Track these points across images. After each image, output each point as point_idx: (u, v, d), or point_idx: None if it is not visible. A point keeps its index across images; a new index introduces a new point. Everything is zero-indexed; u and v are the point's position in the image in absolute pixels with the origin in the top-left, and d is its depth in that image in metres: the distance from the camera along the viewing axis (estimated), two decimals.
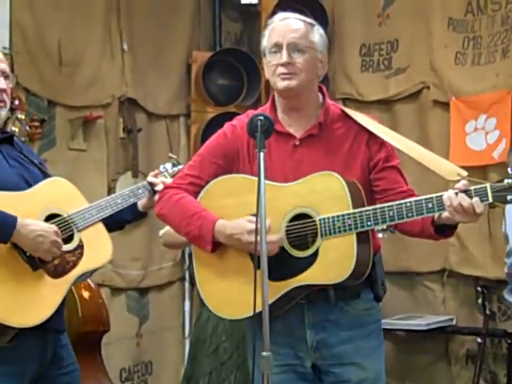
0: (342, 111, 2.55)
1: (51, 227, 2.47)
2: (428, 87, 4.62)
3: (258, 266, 2.17)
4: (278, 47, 2.45)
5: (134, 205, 2.79)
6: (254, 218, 2.25)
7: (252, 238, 2.26)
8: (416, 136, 4.61)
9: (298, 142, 2.49)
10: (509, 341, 4.16)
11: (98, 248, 2.61)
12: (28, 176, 2.59)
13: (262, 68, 4.79)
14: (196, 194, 2.54)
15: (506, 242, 3.29)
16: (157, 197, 2.68)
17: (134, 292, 4.77)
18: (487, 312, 4.15)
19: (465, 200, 2.21)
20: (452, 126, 4.49)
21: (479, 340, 4.14)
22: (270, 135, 2.30)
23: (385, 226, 2.36)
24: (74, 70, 4.53)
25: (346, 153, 2.48)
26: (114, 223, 2.77)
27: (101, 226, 2.65)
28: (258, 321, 2.20)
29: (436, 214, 2.29)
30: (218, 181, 2.53)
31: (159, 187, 2.75)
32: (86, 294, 3.64)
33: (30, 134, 3.97)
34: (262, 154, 2.22)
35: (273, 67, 2.46)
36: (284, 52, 2.43)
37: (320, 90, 2.57)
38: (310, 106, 2.52)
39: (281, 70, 2.43)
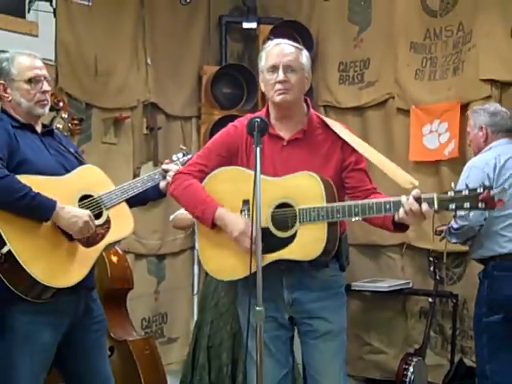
0: (323, 121, 2.57)
1: (85, 212, 2.45)
2: (393, 97, 4.60)
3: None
4: (274, 68, 2.47)
5: (157, 187, 2.79)
6: (248, 222, 2.34)
7: (241, 238, 2.38)
8: (383, 136, 4.64)
9: (285, 143, 2.52)
10: (454, 300, 4.18)
11: (122, 223, 2.61)
12: (66, 163, 2.59)
13: (258, 80, 4.86)
14: (202, 179, 2.56)
15: None
16: (170, 179, 2.69)
17: (153, 258, 4.77)
18: (437, 277, 4.15)
19: (415, 205, 2.24)
20: (412, 128, 4.48)
21: (430, 300, 4.14)
22: (265, 134, 2.31)
23: (353, 219, 2.36)
24: (107, 79, 4.52)
25: (323, 154, 2.51)
26: (138, 201, 2.78)
27: (124, 204, 2.64)
28: (247, 282, 2.24)
29: (396, 215, 2.31)
30: (220, 170, 2.55)
31: (171, 173, 2.75)
32: (114, 259, 3.63)
33: (71, 130, 3.95)
34: (258, 149, 2.24)
35: (271, 85, 2.48)
36: (280, 72, 2.45)
37: (305, 101, 2.59)
38: (298, 114, 2.54)
39: (278, 86, 2.45)
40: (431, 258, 4.20)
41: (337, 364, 2.51)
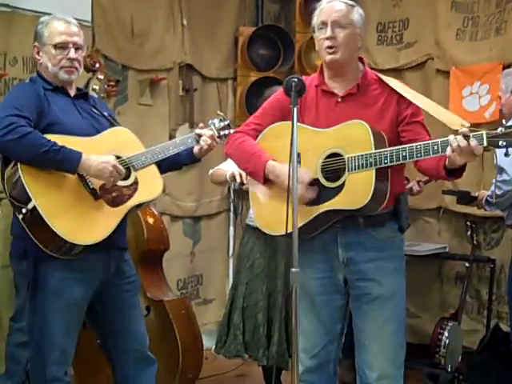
0: (378, 77, 2.54)
1: (111, 157, 2.46)
2: (432, 58, 4.50)
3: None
4: (323, 24, 2.45)
5: (191, 151, 2.78)
6: (299, 172, 2.27)
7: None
8: None
9: (339, 99, 2.49)
10: (491, 265, 4.13)
11: (150, 185, 2.60)
12: (97, 126, 2.60)
13: (295, 41, 4.81)
14: (256, 137, 2.57)
15: (498, 173, 3.18)
16: (203, 144, 2.72)
17: (189, 219, 4.79)
18: (474, 242, 4.09)
19: (463, 142, 2.17)
20: (451, 90, 4.39)
21: (467, 264, 4.08)
22: (303, 94, 2.28)
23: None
24: (144, 40, 4.50)
25: (379, 108, 2.46)
26: (172, 165, 2.78)
27: (154, 167, 2.63)
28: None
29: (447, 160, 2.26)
30: (273, 126, 2.55)
31: (204, 138, 2.74)
32: (150, 220, 3.65)
33: (108, 92, 3.96)
34: (295, 109, 2.21)
35: (320, 41, 2.46)
36: (328, 28, 2.42)
37: (360, 59, 2.55)
38: (351, 72, 2.51)
39: (326, 43, 2.43)
40: (468, 223, 4.14)
41: (387, 330, 2.44)
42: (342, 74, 2.50)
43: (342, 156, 2.37)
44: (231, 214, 4.93)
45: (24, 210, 2.31)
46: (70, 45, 2.55)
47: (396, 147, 2.31)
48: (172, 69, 4.63)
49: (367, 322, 2.46)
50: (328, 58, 2.45)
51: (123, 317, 2.64)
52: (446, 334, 3.90)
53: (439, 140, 2.25)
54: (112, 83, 4.05)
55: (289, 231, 2.18)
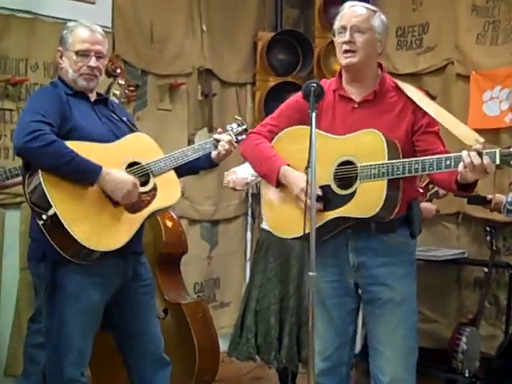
0: (396, 84, 2.53)
1: (130, 178, 2.46)
2: (452, 63, 4.48)
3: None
4: (343, 29, 2.45)
5: (209, 156, 2.79)
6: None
7: (302, 195, 2.33)
8: (441, 103, 4.43)
9: (356, 105, 2.49)
10: (510, 271, 4.08)
11: (168, 191, 2.61)
12: (116, 131, 2.61)
13: (315, 46, 4.82)
14: (272, 139, 2.58)
15: None
16: (221, 149, 2.74)
17: (206, 223, 4.82)
18: (494, 248, 4.05)
19: (476, 159, 2.16)
20: (471, 95, 4.36)
21: (486, 270, 4.06)
22: (321, 99, 2.28)
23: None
24: (163, 45, 4.54)
25: (394, 116, 2.46)
26: (190, 169, 2.79)
27: (173, 173, 2.64)
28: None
29: (459, 175, 2.24)
30: (288, 130, 2.56)
31: (222, 143, 2.76)
32: (169, 224, 3.67)
33: (128, 96, 3.98)
34: (313, 114, 2.21)
35: (339, 45, 2.46)
36: (347, 32, 2.43)
37: (379, 65, 2.54)
38: (369, 78, 2.50)
39: (344, 47, 2.44)
40: (488, 228, 4.11)
41: (399, 335, 2.43)
42: (359, 78, 2.49)
43: (354, 164, 2.37)
44: (249, 219, 4.94)
45: (44, 217, 2.33)
46: (92, 53, 2.57)
47: (409, 159, 2.30)
48: (191, 74, 4.66)
49: (379, 326, 2.46)
50: (345, 61, 2.45)
51: (140, 319, 2.65)
52: (464, 339, 3.88)
53: (452, 155, 2.24)
54: (132, 88, 4.07)
55: (301, 235, 2.18)
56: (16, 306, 3.91)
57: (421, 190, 3.41)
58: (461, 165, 2.19)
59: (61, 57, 2.61)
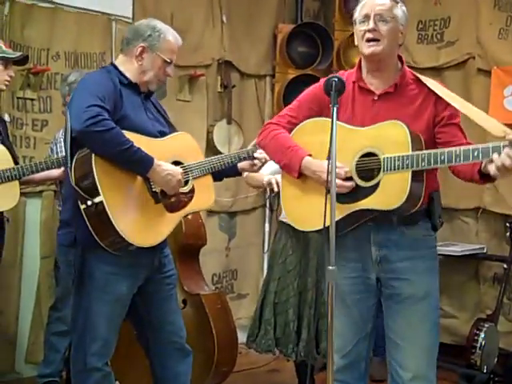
0: (416, 76, 2.50)
1: (178, 169, 2.54)
2: (474, 57, 4.45)
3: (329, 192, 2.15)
4: (366, 17, 2.40)
5: (235, 165, 2.84)
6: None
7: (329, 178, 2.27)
8: (461, 97, 4.47)
9: (376, 98, 2.45)
10: None
11: (204, 194, 2.66)
12: (160, 127, 2.65)
13: (335, 39, 4.80)
14: (290, 130, 2.54)
15: None
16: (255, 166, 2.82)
17: (225, 215, 4.85)
18: None
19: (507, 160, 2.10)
20: (492, 90, 4.33)
21: (505, 266, 4.05)
22: (342, 94, 2.25)
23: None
24: (183, 37, 4.38)
25: (416, 109, 2.42)
26: (217, 176, 2.82)
27: (209, 177, 2.70)
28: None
29: (482, 165, 2.21)
30: (308, 121, 2.52)
31: (258, 160, 2.83)
32: (188, 216, 3.67)
33: None
34: (335, 109, 2.18)
35: (361, 33, 2.40)
36: (371, 21, 2.38)
37: (399, 58, 2.51)
38: (390, 69, 2.46)
39: (368, 35, 2.38)
40: (508, 224, 4.09)
41: (422, 330, 2.41)
42: (380, 68, 2.45)
43: (377, 156, 2.35)
44: (267, 210, 4.95)
45: (89, 202, 2.35)
46: (173, 61, 2.66)
47: (435, 150, 2.27)
48: (211, 65, 4.68)
49: (400, 321, 2.44)
50: (368, 50, 2.39)
51: (162, 309, 2.68)
52: (483, 335, 3.87)
53: (480, 146, 2.19)
54: None
55: (321, 227, 2.17)
56: (36, 294, 3.96)
57: None
58: (493, 167, 2.14)
59: (141, 53, 2.59)
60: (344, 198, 2.32)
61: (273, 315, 3.51)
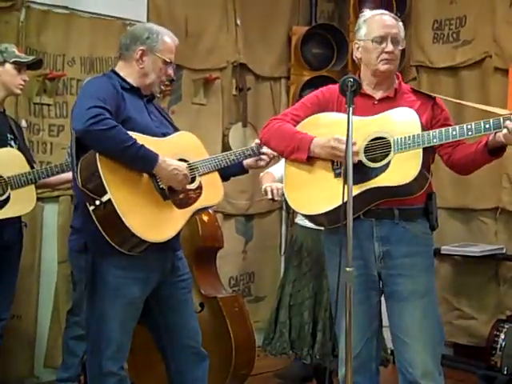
0: (412, 88, 2.67)
1: (183, 164, 2.54)
2: (490, 56, 4.43)
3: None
4: (383, 39, 2.53)
5: (241, 163, 2.83)
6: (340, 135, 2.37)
7: (338, 144, 2.39)
8: (478, 97, 4.47)
9: (376, 102, 2.57)
10: None
11: (212, 191, 2.66)
12: (163, 128, 2.65)
13: (349, 40, 4.79)
14: (294, 126, 2.60)
15: None
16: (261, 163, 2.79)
17: (241, 218, 4.85)
18: None
19: None
20: (510, 88, 4.29)
21: None
22: (357, 94, 2.33)
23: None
24: (198, 40, 4.56)
25: (415, 110, 2.49)
26: (223, 175, 2.79)
27: (216, 174, 2.69)
28: (338, 241, 2.22)
29: (490, 137, 2.36)
30: (312, 117, 2.59)
31: (264, 156, 2.79)
32: (205, 218, 3.69)
33: (163, 91, 3.99)
34: (351, 109, 2.25)
35: (377, 53, 2.53)
36: (390, 44, 2.52)
37: (396, 74, 2.66)
38: (390, 83, 2.62)
39: (385, 56, 2.52)
40: None
41: (426, 327, 2.45)
42: (384, 83, 2.58)
43: (385, 139, 2.41)
44: (283, 213, 4.94)
45: (97, 202, 2.36)
46: (173, 61, 2.67)
47: (446, 127, 2.39)
48: (225, 68, 4.68)
49: (405, 319, 2.47)
50: (384, 67, 2.53)
51: (178, 313, 2.67)
52: (503, 336, 3.84)
53: (491, 119, 2.31)
54: (166, 83, 4.08)
55: (328, 210, 2.25)
56: (54, 298, 3.98)
57: None
58: (505, 131, 2.27)
59: (141, 56, 2.61)
60: (356, 178, 2.32)
61: (288, 318, 3.51)
